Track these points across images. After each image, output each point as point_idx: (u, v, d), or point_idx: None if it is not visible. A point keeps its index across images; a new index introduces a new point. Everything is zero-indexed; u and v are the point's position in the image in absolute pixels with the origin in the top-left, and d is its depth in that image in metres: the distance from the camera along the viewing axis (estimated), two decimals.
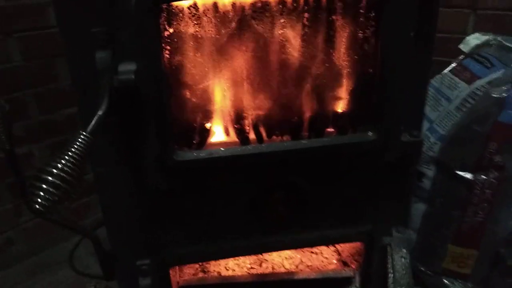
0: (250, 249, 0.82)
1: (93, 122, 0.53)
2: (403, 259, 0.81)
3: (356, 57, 0.70)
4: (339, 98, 0.73)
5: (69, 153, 0.50)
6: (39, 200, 0.46)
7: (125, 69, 0.58)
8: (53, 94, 1.45)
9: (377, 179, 0.81)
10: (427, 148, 1.20)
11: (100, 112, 0.54)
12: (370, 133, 0.72)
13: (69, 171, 0.48)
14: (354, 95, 0.73)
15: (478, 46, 1.23)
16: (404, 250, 0.81)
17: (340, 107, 0.74)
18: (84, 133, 0.52)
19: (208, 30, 0.64)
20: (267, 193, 0.77)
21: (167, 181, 0.67)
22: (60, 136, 1.46)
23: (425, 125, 1.21)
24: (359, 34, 0.68)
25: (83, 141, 0.52)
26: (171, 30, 0.63)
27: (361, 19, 0.67)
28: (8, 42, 1.32)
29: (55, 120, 1.47)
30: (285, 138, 0.72)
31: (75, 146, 0.51)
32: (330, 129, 0.74)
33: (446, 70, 1.26)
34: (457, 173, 1.15)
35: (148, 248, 0.77)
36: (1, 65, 1.32)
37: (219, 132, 0.72)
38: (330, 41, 0.68)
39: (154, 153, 0.64)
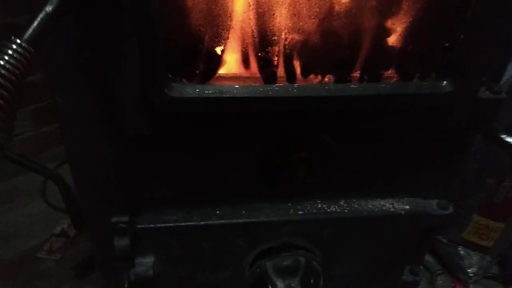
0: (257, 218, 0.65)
1: (34, 24, 0.32)
2: None
3: None
4: (407, 32, 0.51)
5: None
6: None
7: None
8: None
9: (431, 144, 0.62)
10: None
11: (48, 9, 0.32)
12: (444, 83, 0.51)
13: None
14: (428, 30, 0.51)
15: None
16: None
17: (408, 44, 0.52)
18: (18, 41, 0.31)
19: None
20: (287, 150, 0.58)
21: (152, 125, 0.46)
22: None
23: None
24: None
25: (15, 53, 0.31)
26: None
27: None
28: None
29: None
30: (327, 79, 0.51)
31: (1, 62, 0.30)
32: (390, 73, 0.53)
33: None
34: (501, 137, 0.98)
35: (126, 204, 0.60)
36: None
37: (234, 62, 0.50)
38: None
39: (136, 84, 0.42)
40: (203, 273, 0.68)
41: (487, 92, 0.56)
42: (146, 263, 0.63)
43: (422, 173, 0.67)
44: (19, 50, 0.31)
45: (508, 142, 0.99)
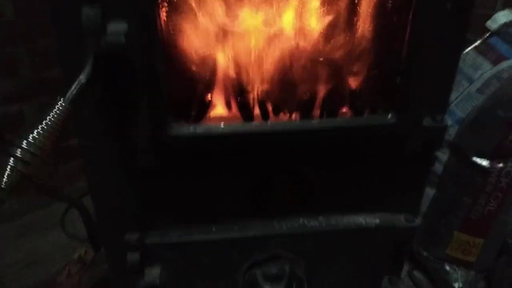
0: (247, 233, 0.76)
1: (72, 89, 0.46)
2: None
3: (382, 29, 0.61)
4: (357, 74, 0.65)
5: (44, 126, 0.43)
6: (5, 178, 0.40)
7: (114, 29, 0.49)
8: (47, 51, 1.36)
9: (392, 166, 0.74)
10: None
11: (81, 78, 0.46)
12: (390, 115, 0.64)
13: (41, 146, 0.42)
14: (376, 72, 0.64)
15: (507, 24, 1.13)
16: None
17: (358, 84, 0.66)
18: (61, 101, 0.45)
19: None
20: (270, 178, 0.70)
21: (159, 159, 0.60)
22: (53, 95, 1.38)
23: None
24: (389, 3, 0.59)
25: (59, 111, 0.44)
26: None
27: None
28: None
29: (47, 78, 1.38)
30: (293, 116, 0.64)
31: (50, 117, 0.44)
32: (344, 110, 0.66)
33: (469, 48, 1.17)
34: (472, 160, 1.09)
35: (137, 224, 0.72)
36: None
37: (220, 106, 0.64)
38: (354, 8, 0.58)
39: (145, 127, 0.56)
40: (203, 283, 0.79)
41: (431, 121, 0.69)
42: (153, 273, 0.75)
43: (388, 191, 0.78)
44: (61, 109, 0.45)
45: (479, 164, 1.09)
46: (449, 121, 1.13)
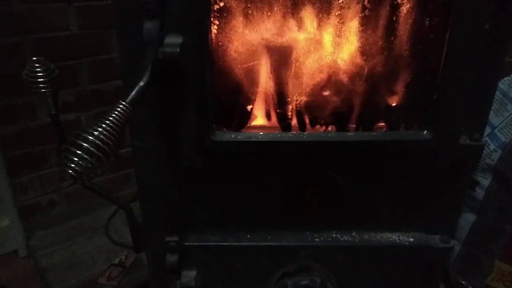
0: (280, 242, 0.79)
1: (133, 92, 0.52)
2: None
3: (419, 47, 0.63)
4: (394, 91, 0.67)
5: (107, 122, 0.48)
6: (72, 165, 0.46)
7: (171, 41, 0.56)
8: (105, 65, 1.48)
9: (426, 184, 0.74)
10: (485, 155, 1.11)
11: (141, 83, 0.53)
12: (425, 132, 0.65)
13: (105, 139, 0.47)
14: (412, 89, 0.67)
15: None
16: None
17: (395, 100, 0.68)
18: (123, 102, 0.51)
19: (260, 7, 0.60)
20: (303, 185, 0.73)
21: (202, 160, 0.64)
22: (108, 106, 1.50)
23: (486, 130, 1.11)
24: (426, 22, 0.61)
25: (121, 111, 0.50)
26: (221, 4, 0.60)
27: (429, 4, 0.60)
28: (67, 10, 1.36)
29: (104, 90, 1.50)
30: (329, 128, 0.67)
31: (113, 115, 0.50)
32: (380, 124, 0.68)
33: None
34: None
35: (177, 226, 0.77)
36: (59, 33, 1.36)
37: (260, 116, 0.69)
38: (392, 27, 0.62)
39: (192, 130, 0.62)
40: None
41: (468, 140, 0.69)
42: (189, 275, 0.79)
43: (424, 210, 0.78)
44: (124, 108, 0.51)
45: None
46: (492, 145, 1.11)
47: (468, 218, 1.15)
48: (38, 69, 0.64)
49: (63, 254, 1.44)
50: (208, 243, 0.77)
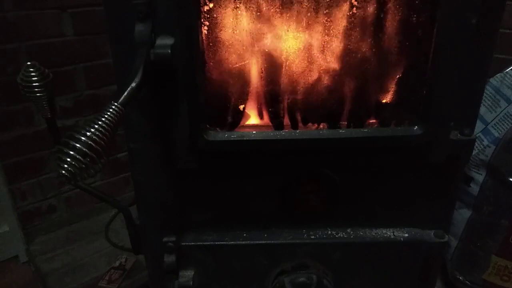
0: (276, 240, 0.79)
1: (125, 93, 0.53)
2: None
3: (407, 43, 0.64)
4: (384, 87, 0.68)
5: (99, 122, 0.49)
6: (66, 166, 0.46)
7: (162, 43, 0.57)
8: (102, 70, 1.50)
9: (419, 180, 0.75)
10: (479, 151, 1.11)
11: (133, 84, 0.53)
12: (415, 127, 0.66)
13: (97, 139, 0.48)
14: (402, 85, 0.67)
15: None
16: None
17: (385, 97, 0.69)
18: (115, 103, 0.52)
19: (249, 7, 0.61)
20: (298, 183, 0.74)
21: (196, 160, 0.65)
22: None
23: (479, 126, 1.12)
24: (413, 18, 0.62)
25: (113, 111, 0.51)
26: (211, 5, 0.61)
27: (416, 1, 0.61)
28: (62, 17, 1.37)
29: (101, 95, 1.52)
30: (321, 126, 0.68)
31: (105, 116, 0.50)
32: (372, 121, 0.69)
33: (508, 69, 1.16)
34: (509, 180, 1.07)
35: (174, 226, 0.77)
36: (54, 39, 1.37)
37: (252, 115, 0.70)
38: (380, 24, 0.63)
39: (185, 131, 0.63)
40: (234, 287, 0.82)
41: (458, 135, 0.70)
42: (187, 275, 0.79)
43: (417, 206, 0.78)
44: (116, 109, 0.52)
45: None
46: (486, 141, 1.12)
47: (464, 214, 1.16)
48: (33, 74, 0.65)
49: (63, 258, 1.44)
50: (205, 243, 0.78)
